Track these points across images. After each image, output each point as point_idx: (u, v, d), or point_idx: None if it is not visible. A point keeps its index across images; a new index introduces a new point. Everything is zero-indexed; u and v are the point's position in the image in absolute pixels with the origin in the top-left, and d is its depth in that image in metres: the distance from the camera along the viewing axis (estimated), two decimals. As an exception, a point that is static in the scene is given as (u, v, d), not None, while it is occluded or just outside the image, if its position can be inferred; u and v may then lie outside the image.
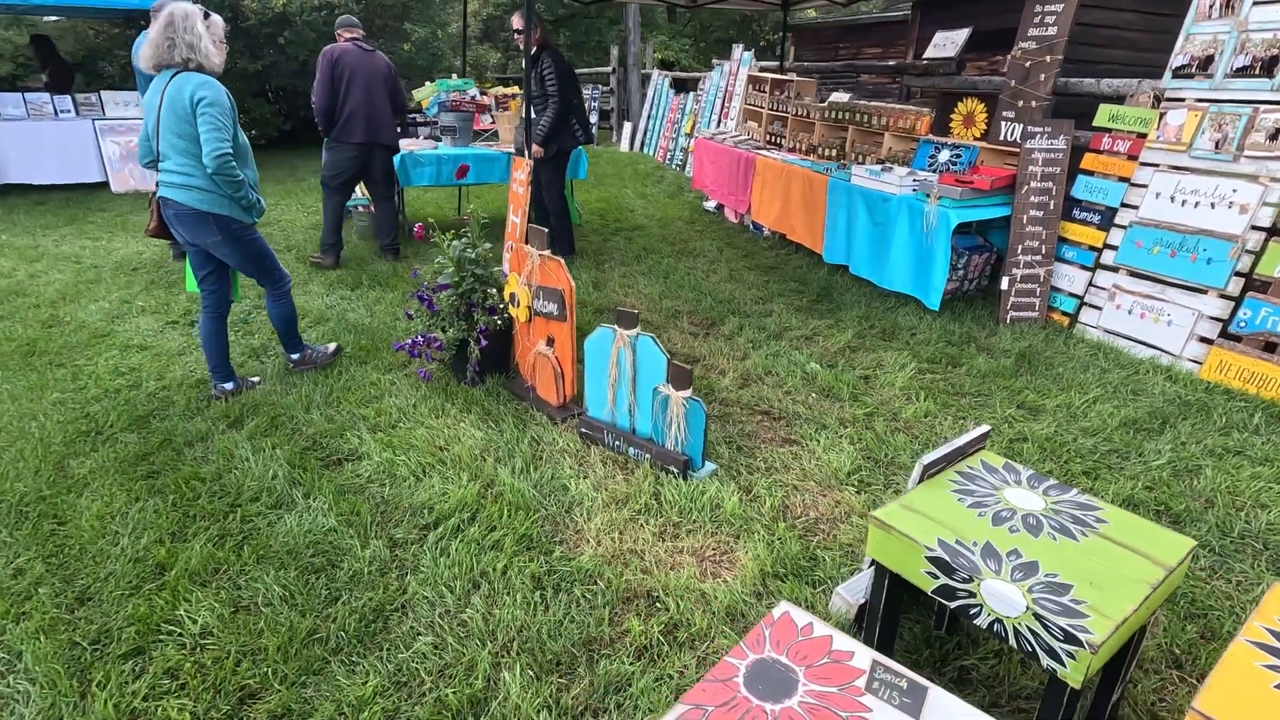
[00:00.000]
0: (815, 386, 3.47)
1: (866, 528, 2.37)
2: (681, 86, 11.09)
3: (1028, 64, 4.24)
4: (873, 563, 1.66)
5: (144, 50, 2.78)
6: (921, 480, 1.72)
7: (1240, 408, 3.24)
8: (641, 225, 6.84)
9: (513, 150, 6.04)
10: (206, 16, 2.85)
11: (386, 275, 5.03)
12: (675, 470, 2.68)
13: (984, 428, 1.87)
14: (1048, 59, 4.13)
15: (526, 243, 3.10)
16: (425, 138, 6.61)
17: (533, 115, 4.74)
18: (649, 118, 11.35)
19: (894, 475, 2.71)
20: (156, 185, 2.93)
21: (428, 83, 6.28)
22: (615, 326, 2.80)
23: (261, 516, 2.40)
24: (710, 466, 2.73)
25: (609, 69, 12.71)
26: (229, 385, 3.22)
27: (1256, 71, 3.43)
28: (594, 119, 12.42)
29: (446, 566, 2.16)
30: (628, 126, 11.94)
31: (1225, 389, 3.41)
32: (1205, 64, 3.62)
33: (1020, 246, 4.26)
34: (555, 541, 2.32)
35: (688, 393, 2.61)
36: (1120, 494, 2.57)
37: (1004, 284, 4.30)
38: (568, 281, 2.90)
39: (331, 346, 3.61)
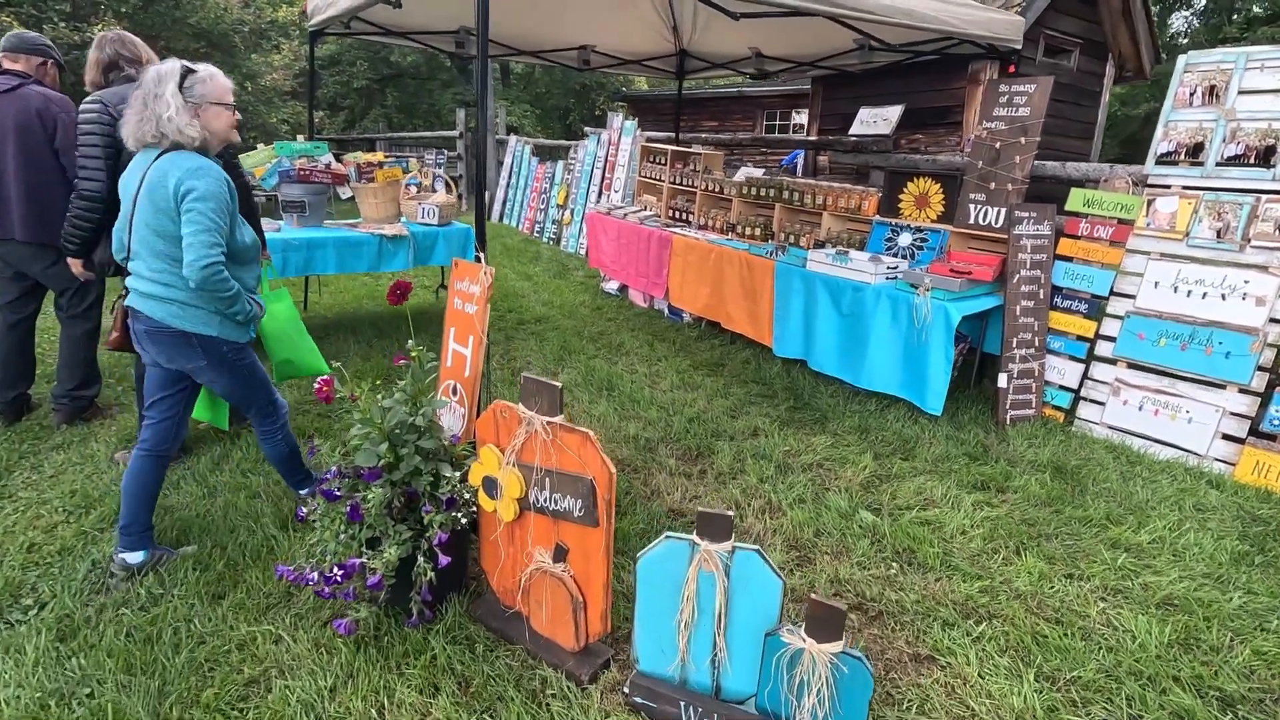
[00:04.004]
0: (886, 549, 2.65)
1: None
2: (544, 154, 10.31)
3: (997, 145, 3.96)
4: None
5: (125, 119, 2.20)
6: None
7: (1310, 519, 2.95)
8: (544, 316, 5.79)
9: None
10: (188, 75, 2.20)
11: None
12: (821, 768, 1.67)
13: None
14: (1022, 140, 3.86)
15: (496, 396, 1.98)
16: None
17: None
18: (509, 187, 10.38)
19: (1093, 703, 1.93)
20: (124, 289, 2.33)
21: (260, 145, 4.83)
22: (692, 537, 1.78)
23: None
24: (861, 744, 1.76)
25: (455, 133, 11.60)
26: (137, 557, 2.29)
27: (1252, 160, 3.33)
28: (439, 188, 11.16)
29: None
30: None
31: (1276, 496, 3.14)
32: (1194, 151, 3.49)
33: (1015, 340, 3.87)
34: None
35: (839, 646, 1.64)
36: (1355, 691, 2.00)
37: (1002, 381, 3.87)
38: (603, 466, 1.83)
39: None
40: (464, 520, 2.08)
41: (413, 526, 2.08)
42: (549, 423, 1.90)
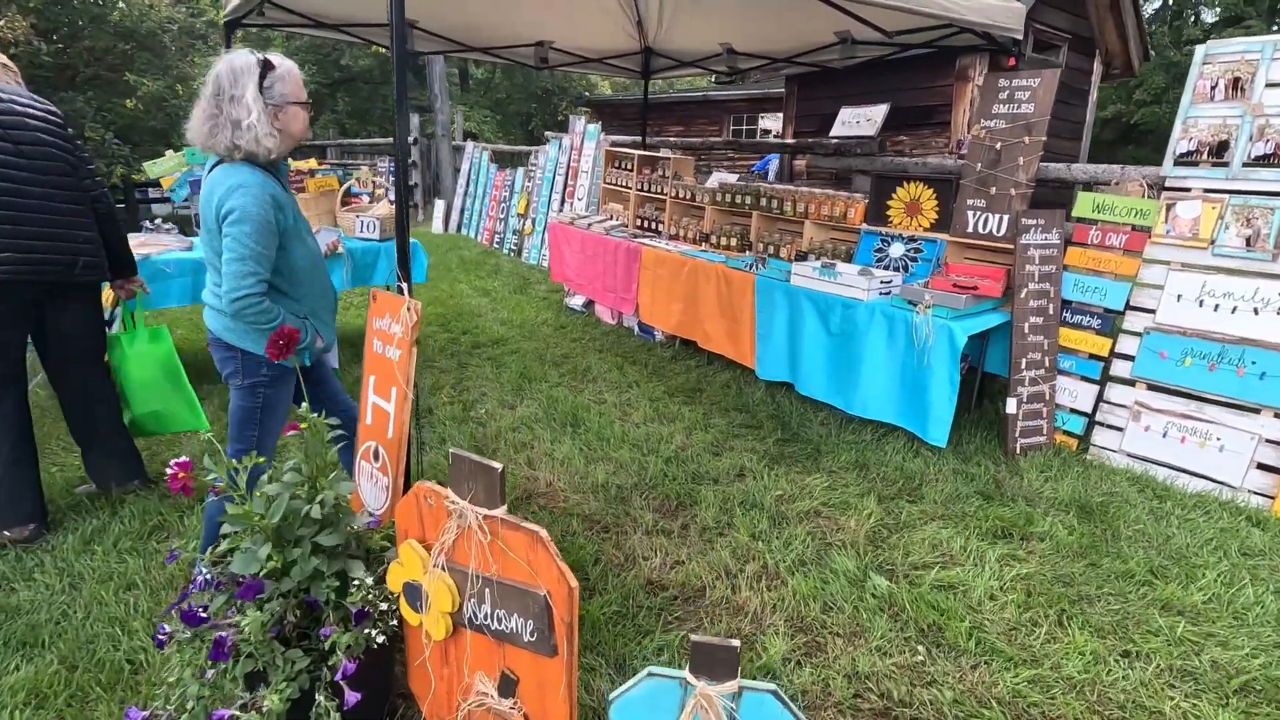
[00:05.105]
0: (908, 625, 2.22)
1: None
2: (504, 160, 9.78)
3: (998, 145, 3.59)
4: None
5: (192, 122, 1.96)
6: None
7: (1371, 564, 2.60)
8: (502, 337, 5.27)
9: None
10: (267, 71, 1.93)
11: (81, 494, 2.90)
12: None
13: None
14: (1026, 140, 3.49)
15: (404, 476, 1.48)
16: (161, 229, 4.47)
17: None
18: (466, 195, 9.82)
19: None
20: None
21: (169, 151, 4.24)
22: (685, 675, 1.31)
23: None
24: None
25: (410, 138, 11.00)
26: None
27: (1283, 160, 3.00)
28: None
29: None
30: (439, 205, 10.28)
31: (1327, 534, 2.80)
32: (1218, 150, 3.16)
33: (1024, 360, 3.49)
34: None
35: (892, 830, 1.18)
36: None
37: (1011, 407, 3.49)
38: (560, 579, 1.34)
39: None
40: (380, 639, 1.58)
41: (313, 648, 1.58)
42: (486, 517, 1.41)
